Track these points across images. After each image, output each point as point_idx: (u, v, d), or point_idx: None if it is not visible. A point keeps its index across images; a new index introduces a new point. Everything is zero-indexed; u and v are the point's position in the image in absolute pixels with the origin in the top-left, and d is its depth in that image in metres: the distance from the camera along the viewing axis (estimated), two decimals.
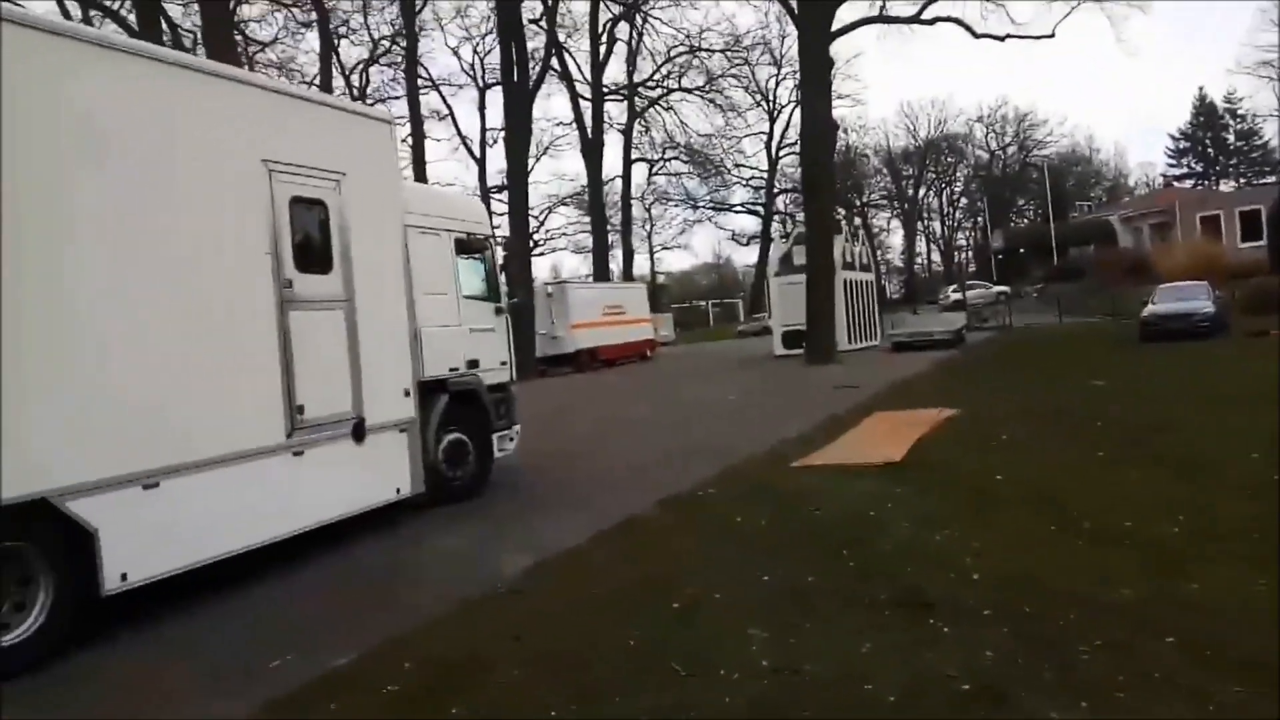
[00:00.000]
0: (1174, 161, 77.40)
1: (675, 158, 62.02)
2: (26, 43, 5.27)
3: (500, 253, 10.56)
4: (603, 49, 49.18)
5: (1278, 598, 4.59)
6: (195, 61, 6.64)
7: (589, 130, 48.05)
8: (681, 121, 57.78)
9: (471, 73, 50.82)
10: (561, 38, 44.87)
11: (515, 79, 33.92)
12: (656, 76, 54.29)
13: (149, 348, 5.93)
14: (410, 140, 40.20)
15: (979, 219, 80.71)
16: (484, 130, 50.84)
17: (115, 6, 28.00)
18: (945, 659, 4.25)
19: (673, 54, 52.78)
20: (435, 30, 48.48)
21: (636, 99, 55.05)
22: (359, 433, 7.63)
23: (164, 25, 25.01)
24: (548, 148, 54.07)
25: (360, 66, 43.04)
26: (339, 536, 7.55)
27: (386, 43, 42.12)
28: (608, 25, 48.86)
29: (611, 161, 54.81)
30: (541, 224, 58.35)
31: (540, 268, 64.28)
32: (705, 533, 7.08)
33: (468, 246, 9.89)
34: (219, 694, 4.70)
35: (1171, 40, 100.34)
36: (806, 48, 25.94)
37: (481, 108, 50.72)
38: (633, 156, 58.69)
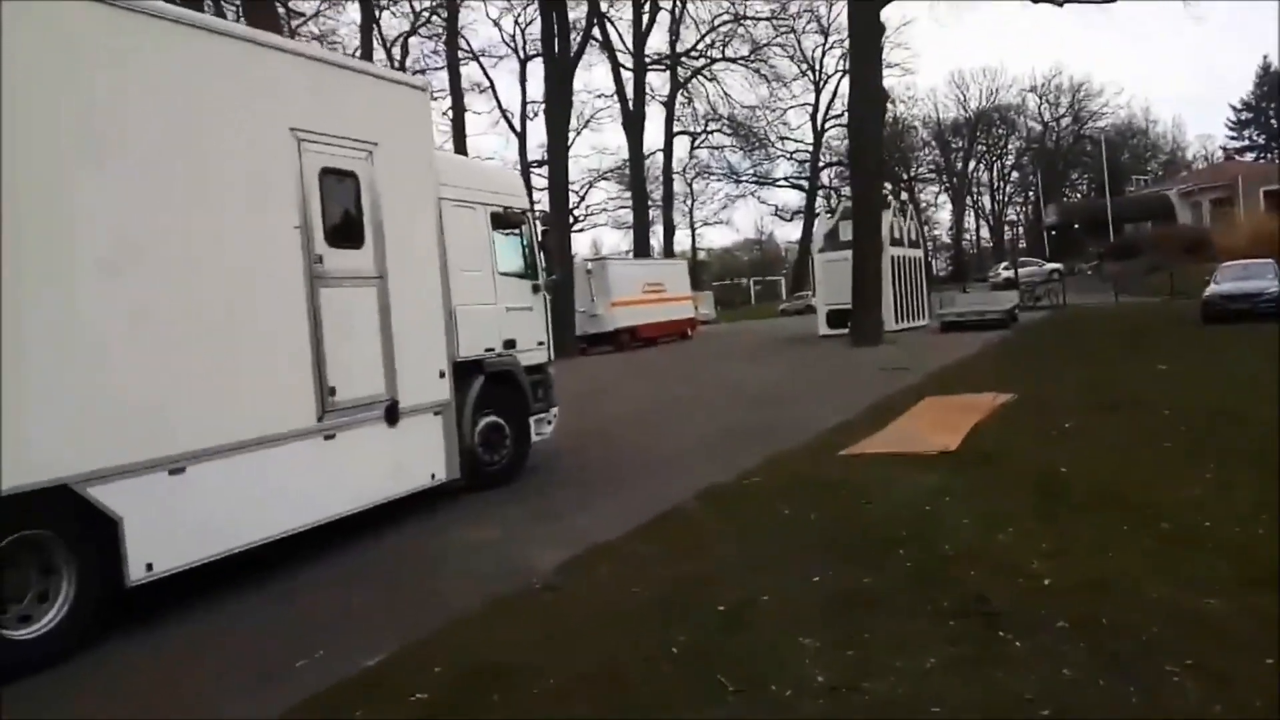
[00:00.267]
0: (1235, 134, 74.54)
1: (718, 130, 61.11)
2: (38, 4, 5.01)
3: (539, 227, 10.20)
4: (645, 18, 48.44)
5: None
6: (219, 24, 6.36)
7: (630, 102, 47.39)
8: (725, 92, 56.63)
9: (512, 44, 50.41)
10: (604, 6, 44.26)
11: (556, 50, 33.48)
12: (700, 46, 53.43)
13: (172, 327, 5.70)
14: (451, 113, 40.14)
15: (1030, 193, 78.58)
16: (524, 103, 50.62)
17: None
18: (1018, 678, 3.86)
19: (716, 22, 51.91)
20: (476, 1, 48.01)
21: (679, 69, 54.18)
22: (392, 415, 7.38)
23: None
24: (588, 121, 53.64)
25: (400, 39, 42.81)
26: (371, 524, 7.34)
27: (427, 14, 41.82)
28: None
29: (653, 135, 54.01)
30: (582, 199, 58.05)
31: (580, 244, 64.18)
32: (750, 527, 6.73)
33: (504, 221, 9.57)
34: (238, 694, 4.48)
35: (1234, 7, 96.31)
36: (857, 13, 25.05)
37: (522, 80, 50.51)
38: (675, 129, 58.01)
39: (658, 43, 53.13)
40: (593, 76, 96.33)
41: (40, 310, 4.91)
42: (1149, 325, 22.89)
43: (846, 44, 44.11)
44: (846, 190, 49.39)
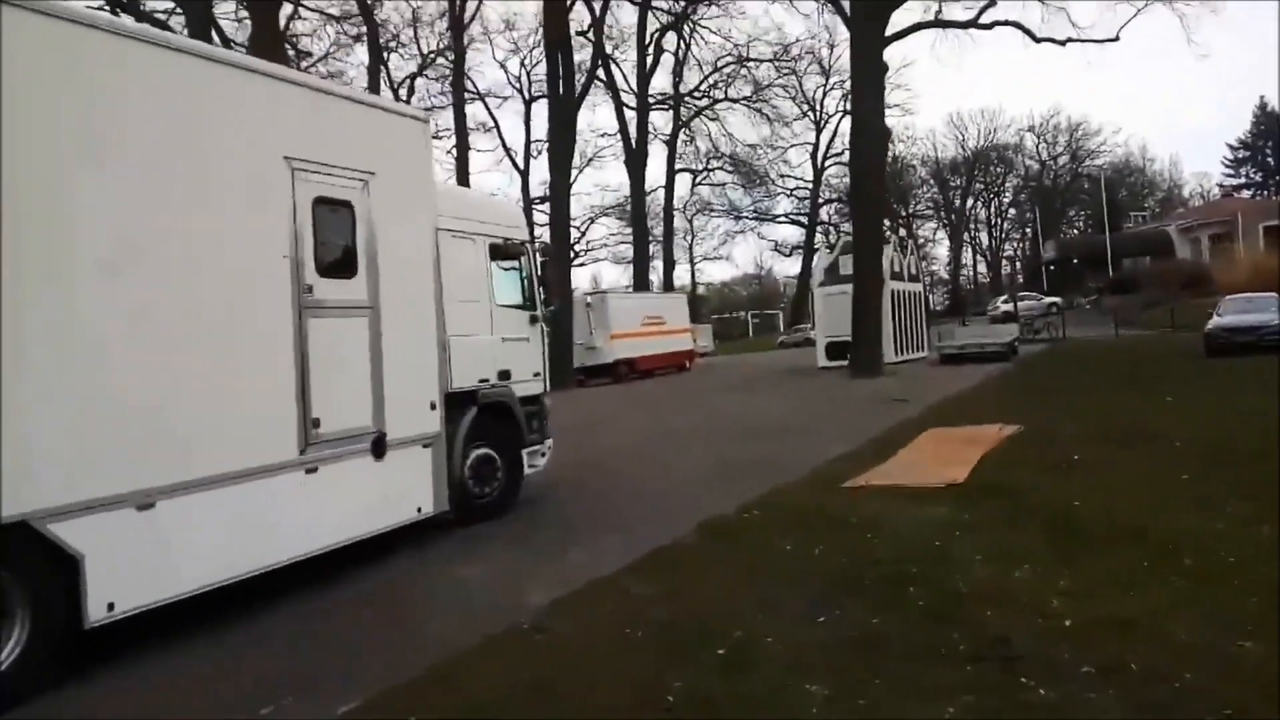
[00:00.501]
0: (1231, 171, 75.10)
1: (720, 167, 61.50)
2: (27, 27, 4.83)
3: (538, 259, 10.00)
4: (649, 59, 48.75)
5: None
6: (213, 51, 6.19)
7: (633, 141, 47.55)
8: (727, 131, 56.98)
9: (518, 84, 50.84)
10: (609, 49, 44.56)
11: (561, 90, 33.59)
12: (703, 86, 53.81)
13: (147, 354, 5.43)
14: (455, 151, 40.20)
15: (1027, 230, 78.95)
16: (528, 142, 50.86)
17: (167, 19, 28.26)
18: None
19: (720, 64, 52.25)
20: (483, 43, 48.47)
21: (682, 108, 54.52)
22: (379, 448, 7.10)
23: (215, 37, 25.07)
24: (591, 159, 53.96)
25: (408, 80, 43.08)
26: (355, 558, 7.01)
27: (434, 55, 42.13)
28: (655, 36, 48.39)
29: (655, 172, 54.20)
30: (583, 235, 58.15)
31: (580, 278, 64.15)
32: (752, 563, 6.41)
33: (503, 252, 9.37)
34: None
35: (1231, 47, 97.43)
36: (859, 51, 25.12)
37: (527, 120, 50.80)
38: (676, 167, 58.23)
39: (661, 83, 53.58)
40: (596, 116, 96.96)
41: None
42: (1151, 358, 22.65)
43: (847, 85, 44.54)
44: (846, 226, 49.51)
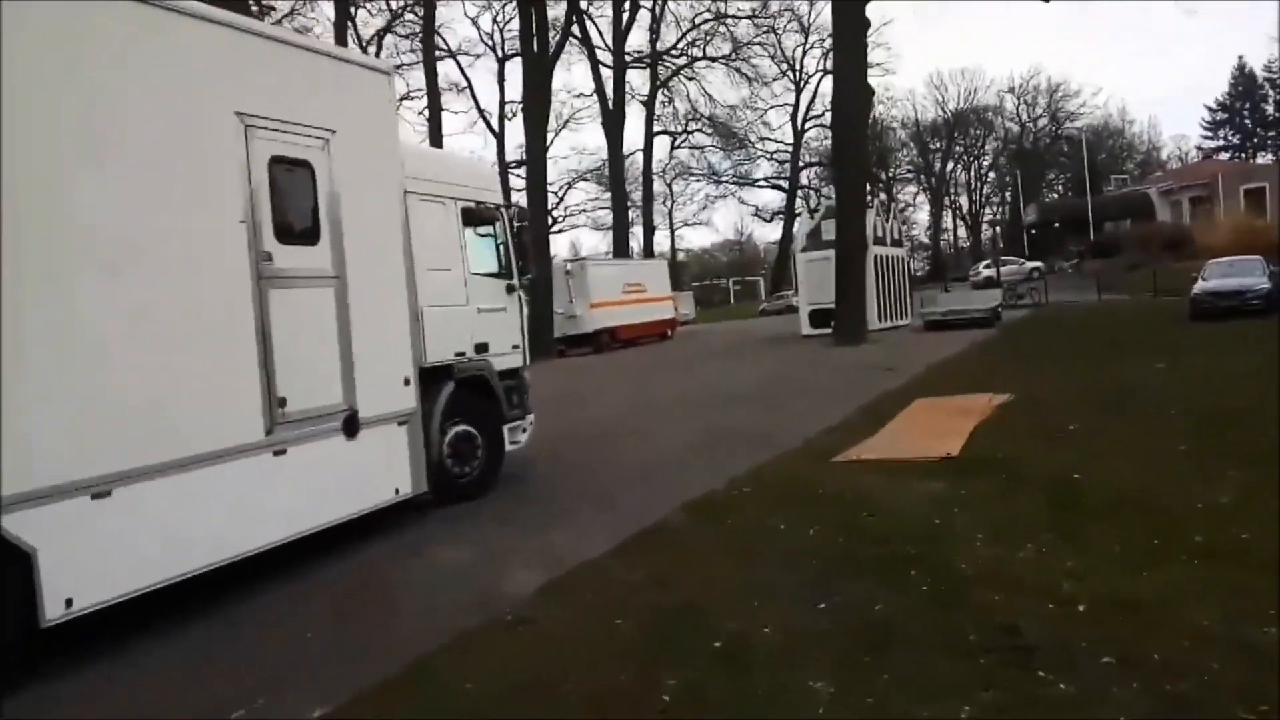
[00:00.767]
0: (1210, 134, 75.16)
1: (699, 130, 60.70)
2: None
3: (514, 224, 9.55)
4: (625, 15, 47.77)
5: None
6: None
7: (610, 101, 46.73)
8: (706, 91, 56.25)
9: (490, 42, 49.84)
10: (583, 4, 43.58)
11: (535, 47, 32.80)
12: (681, 44, 52.96)
13: (95, 334, 5.02)
14: (427, 112, 39.36)
15: (1007, 194, 78.76)
16: (503, 103, 49.96)
17: None
18: None
19: (698, 20, 51.41)
20: None
21: (660, 67, 53.67)
22: (351, 427, 6.74)
23: None
24: (568, 121, 53.07)
25: (376, 37, 41.98)
26: (331, 543, 6.69)
27: (403, 9, 41.03)
28: None
29: (633, 135, 53.61)
30: (561, 200, 57.38)
31: (560, 245, 63.51)
32: (744, 544, 6.15)
33: (476, 217, 8.94)
34: None
35: (1210, 7, 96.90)
36: (841, 6, 24.54)
37: (500, 80, 49.84)
38: (655, 129, 57.50)
39: (638, 41, 52.67)
40: (572, 76, 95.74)
41: None
42: (1136, 322, 22.60)
43: (827, 44, 43.84)
44: (827, 190, 49.10)
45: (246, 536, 5.84)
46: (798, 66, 63.04)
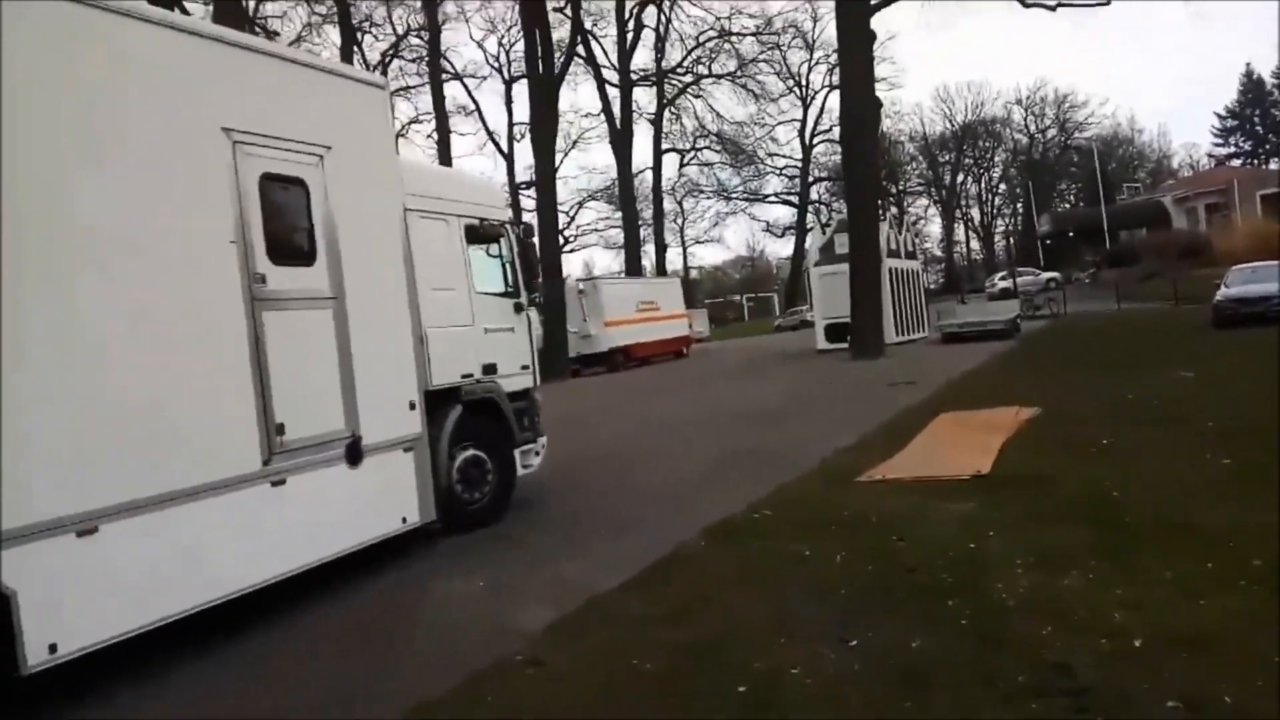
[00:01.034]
0: (1220, 141, 74.70)
1: (707, 146, 60.69)
2: None
3: (520, 241, 9.28)
4: (630, 35, 47.89)
5: None
6: (134, 8, 5.40)
7: (617, 120, 46.71)
8: (713, 108, 56.22)
9: (496, 64, 49.94)
10: (588, 24, 43.67)
11: (540, 69, 32.78)
12: (686, 62, 52.97)
13: (81, 359, 4.78)
14: (435, 135, 39.43)
15: (1019, 205, 78.37)
16: (511, 124, 50.08)
17: None
18: None
19: (702, 39, 51.42)
20: (459, 22, 47.50)
21: (666, 85, 53.68)
22: (354, 454, 6.46)
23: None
24: (576, 140, 53.22)
25: (382, 62, 42.12)
26: (333, 575, 6.39)
27: (409, 33, 41.25)
28: (634, 10, 47.53)
29: (641, 153, 53.38)
30: (572, 219, 57.38)
31: (572, 264, 63.43)
32: (767, 573, 5.80)
33: (481, 234, 8.67)
34: None
35: (1216, 15, 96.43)
36: (845, 19, 24.30)
37: (508, 101, 50.01)
38: (663, 146, 57.44)
39: (643, 60, 52.79)
40: (578, 96, 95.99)
41: None
42: (1158, 331, 22.12)
43: (832, 59, 43.59)
44: (837, 205, 48.77)
45: (244, 573, 5.55)
46: (804, 82, 63.19)
